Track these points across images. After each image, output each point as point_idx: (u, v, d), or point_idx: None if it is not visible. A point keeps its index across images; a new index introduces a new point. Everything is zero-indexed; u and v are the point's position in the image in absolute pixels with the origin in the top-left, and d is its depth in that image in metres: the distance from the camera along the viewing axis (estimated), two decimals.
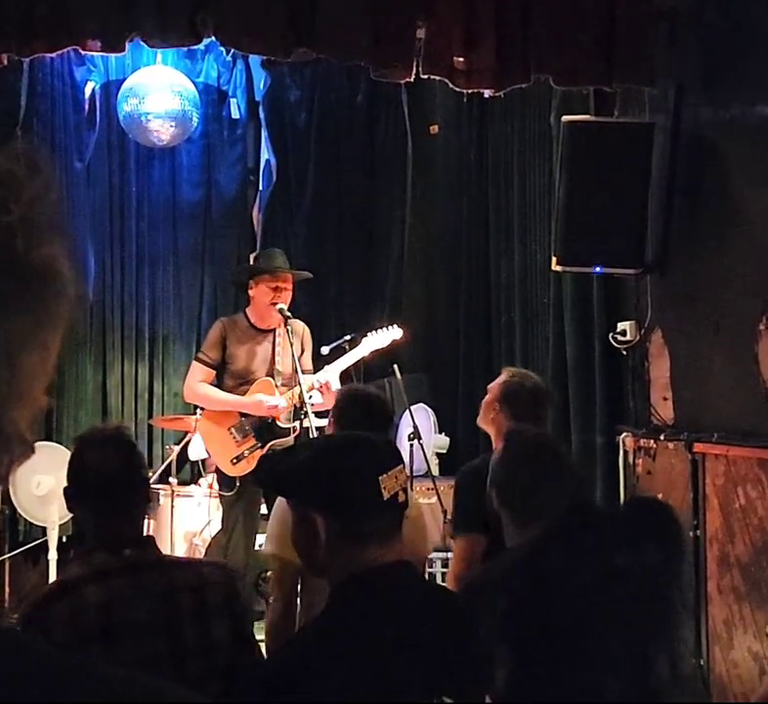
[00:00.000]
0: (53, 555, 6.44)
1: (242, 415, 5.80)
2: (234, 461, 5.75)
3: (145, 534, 2.90)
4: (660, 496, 5.12)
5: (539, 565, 1.48)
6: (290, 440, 5.74)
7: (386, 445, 2.36)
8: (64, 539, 6.66)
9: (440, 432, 7.17)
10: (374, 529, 2.17)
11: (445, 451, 7.08)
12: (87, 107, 7.47)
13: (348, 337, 6.39)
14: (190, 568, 2.87)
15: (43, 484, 6.33)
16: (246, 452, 5.74)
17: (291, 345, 5.64)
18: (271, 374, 5.82)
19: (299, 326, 5.92)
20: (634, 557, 1.38)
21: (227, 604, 2.82)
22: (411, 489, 2.26)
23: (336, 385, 5.78)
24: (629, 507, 1.55)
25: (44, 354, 0.80)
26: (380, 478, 2.14)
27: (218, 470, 5.92)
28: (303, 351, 5.90)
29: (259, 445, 5.75)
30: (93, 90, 7.52)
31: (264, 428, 5.76)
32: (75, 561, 2.79)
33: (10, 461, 0.79)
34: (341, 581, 2.16)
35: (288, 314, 5.71)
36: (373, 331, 6.09)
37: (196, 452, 6.58)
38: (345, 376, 6.01)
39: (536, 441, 3.32)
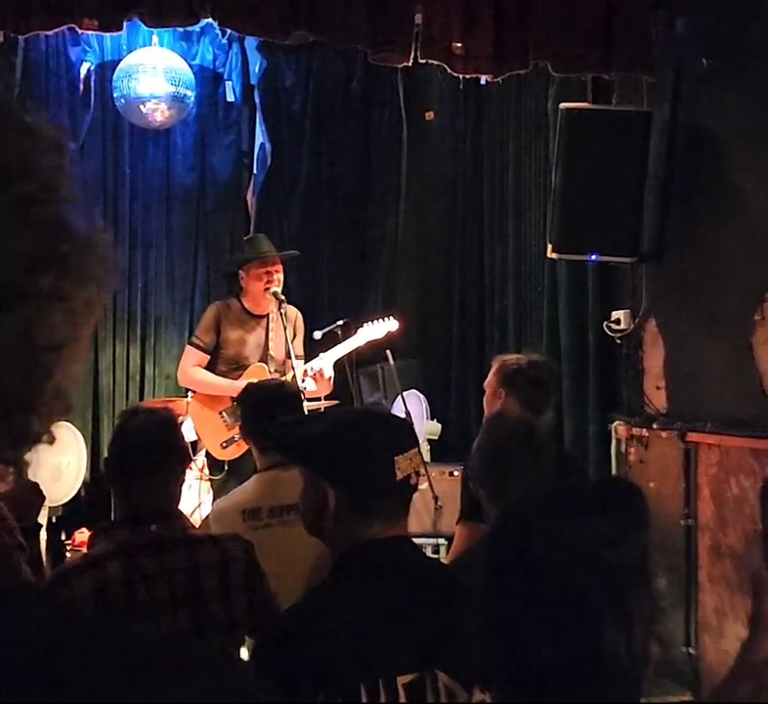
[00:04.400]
0: (42, 535, 6.42)
1: (234, 399, 5.79)
2: (224, 444, 5.74)
3: (175, 506, 2.97)
4: (652, 485, 5.13)
5: (499, 544, 1.49)
6: None
7: (404, 426, 2.36)
8: (54, 519, 6.65)
9: (431, 418, 7.17)
10: (382, 507, 2.18)
11: (436, 437, 7.08)
12: (82, 87, 7.43)
13: (340, 322, 6.38)
14: (214, 544, 2.92)
15: (72, 464, 6.42)
16: (237, 436, 5.74)
17: (285, 329, 5.63)
18: (264, 359, 5.82)
19: (292, 311, 5.90)
20: (586, 529, 1.38)
21: (247, 580, 2.91)
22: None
23: (330, 373, 5.78)
24: (592, 485, 1.55)
25: (94, 317, 0.83)
26: (396, 459, 2.15)
27: (208, 454, 5.91)
28: (295, 336, 5.89)
29: None
30: (88, 70, 7.47)
31: None
32: (101, 536, 2.85)
33: (50, 417, 0.81)
34: (343, 551, 2.19)
35: (283, 298, 5.71)
36: (370, 322, 6.08)
37: (188, 433, 6.57)
38: (338, 362, 6.01)
39: (512, 426, 3.33)
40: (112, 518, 2.96)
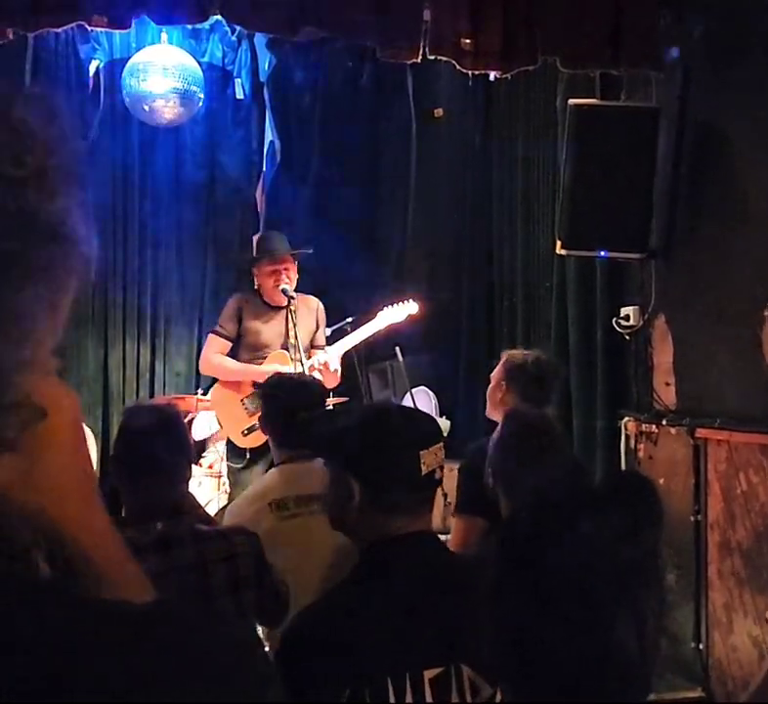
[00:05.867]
0: None
1: (256, 386, 5.80)
2: (246, 432, 5.75)
3: (182, 502, 2.97)
4: (661, 481, 5.13)
5: (510, 539, 1.48)
6: None
7: (428, 421, 2.36)
8: None
9: (440, 415, 7.17)
10: (407, 502, 2.19)
11: (445, 434, 7.07)
12: (91, 85, 7.45)
13: (349, 320, 6.40)
14: (221, 539, 2.91)
15: None
16: (257, 423, 5.75)
17: (295, 325, 5.65)
18: (285, 347, 5.84)
19: (313, 302, 5.94)
20: (599, 524, 1.38)
21: (256, 574, 2.90)
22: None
23: (335, 365, 5.79)
24: (604, 480, 1.56)
25: (52, 317, 0.77)
26: (421, 453, 2.16)
27: (228, 441, 5.92)
28: (318, 327, 5.92)
29: None
30: (97, 68, 7.48)
31: None
32: None
33: (18, 426, 0.78)
34: (368, 545, 2.20)
35: (292, 295, 5.72)
36: (389, 305, 6.08)
37: (199, 432, 6.58)
38: (347, 359, 6.01)
39: (534, 422, 3.35)
40: (119, 516, 2.94)
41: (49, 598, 0.77)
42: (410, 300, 6.13)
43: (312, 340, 5.92)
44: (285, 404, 3.79)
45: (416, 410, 2.38)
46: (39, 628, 0.73)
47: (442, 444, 2.24)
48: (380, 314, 6.05)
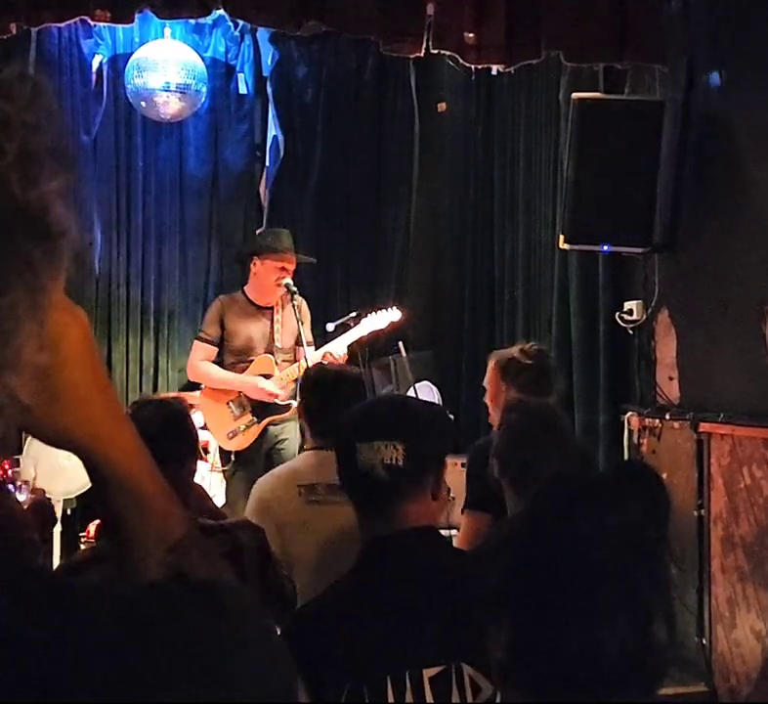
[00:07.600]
0: (57, 527, 6.43)
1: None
2: (230, 435, 5.76)
3: (186, 497, 2.94)
4: (664, 475, 5.12)
5: (530, 530, 1.46)
6: (288, 417, 5.76)
7: (393, 415, 2.24)
8: (69, 511, 6.67)
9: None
10: (358, 500, 2.19)
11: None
12: (94, 80, 7.45)
13: (353, 314, 6.39)
14: (224, 534, 2.90)
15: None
16: (242, 427, 5.76)
17: (299, 322, 5.63)
18: (270, 350, 5.82)
19: (297, 299, 5.90)
20: (620, 515, 1.36)
21: (260, 568, 2.89)
22: None
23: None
24: (614, 470, 1.54)
25: (36, 314, 0.74)
26: (357, 445, 2.13)
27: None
28: (302, 324, 5.89)
29: (256, 421, 5.75)
30: (100, 63, 7.49)
31: (262, 404, 5.76)
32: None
33: (5, 424, 0.76)
34: (367, 541, 2.19)
35: (295, 289, 5.71)
36: (374, 312, 6.07)
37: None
38: (351, 354, 6.01)
39: (538, 411, 3.33)
40: None
41: (44, 591, 0.76)
42: (393, 307, 6.11)
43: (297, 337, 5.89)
44: (322, 395, 3.74)
45: (397, 403, 2.32)
46: (34, 623, 0.72)
47: (397, 444, 2.12)
48: (363, 321, 6.02)
